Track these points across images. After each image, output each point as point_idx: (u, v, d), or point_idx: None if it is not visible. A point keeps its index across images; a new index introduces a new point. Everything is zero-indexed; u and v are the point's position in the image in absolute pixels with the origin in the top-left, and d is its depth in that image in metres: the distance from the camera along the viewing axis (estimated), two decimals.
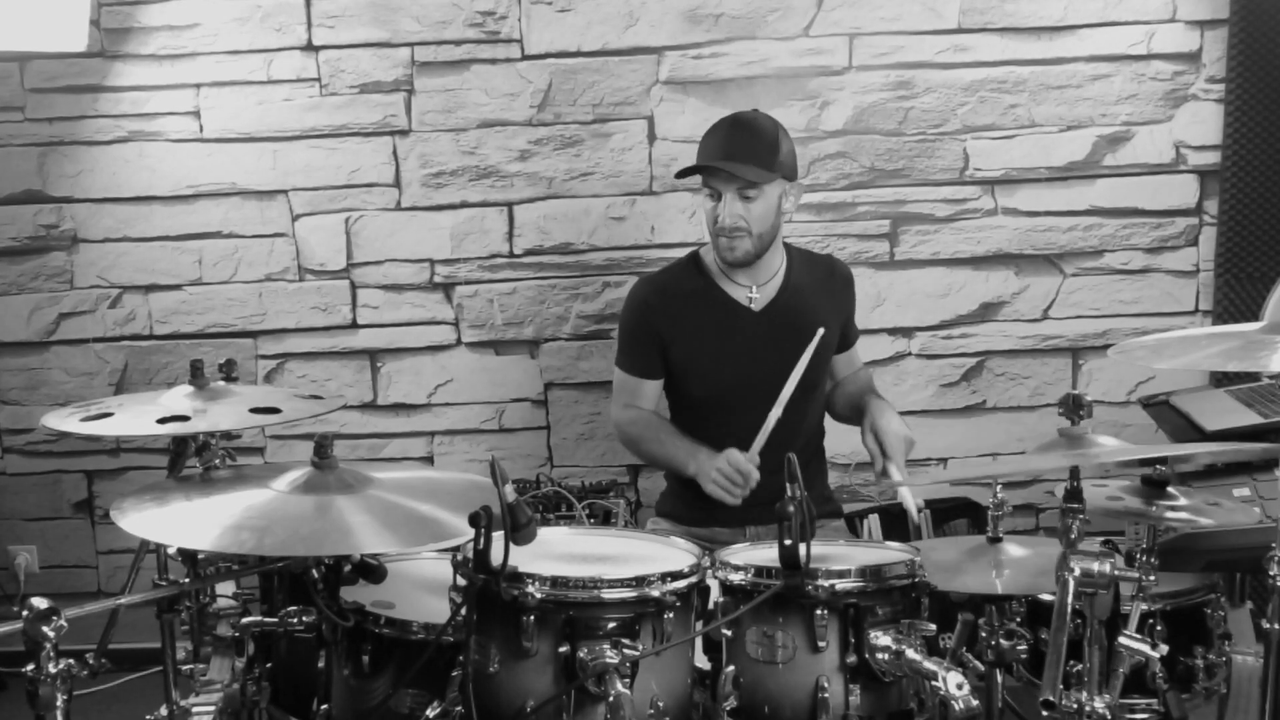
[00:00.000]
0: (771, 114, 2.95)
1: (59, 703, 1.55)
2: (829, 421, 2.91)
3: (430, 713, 1.72)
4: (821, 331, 2.58)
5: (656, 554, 1.90)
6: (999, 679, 2.05)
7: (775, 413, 2.50)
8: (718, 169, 2.61)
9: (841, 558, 1.90)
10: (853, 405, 2.78)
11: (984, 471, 3.47)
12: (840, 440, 2.95)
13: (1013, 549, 2.16)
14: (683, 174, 2.71)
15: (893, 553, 1.98)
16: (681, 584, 1.74)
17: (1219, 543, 2.31)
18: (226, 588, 2.10)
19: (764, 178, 2.61)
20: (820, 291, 2.80)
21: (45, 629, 1.54)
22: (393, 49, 3.44)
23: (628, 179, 3.47)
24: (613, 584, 1.70)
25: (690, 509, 2.74)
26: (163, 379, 3.54)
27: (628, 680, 1.65)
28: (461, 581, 1.71)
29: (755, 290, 2.74)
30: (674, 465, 2.73)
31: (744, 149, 2.63)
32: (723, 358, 2.72)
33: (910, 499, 2.63)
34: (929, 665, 1.71)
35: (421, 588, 2.01)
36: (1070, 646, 1.64)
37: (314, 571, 1.83)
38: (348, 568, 1.87)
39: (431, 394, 3.57)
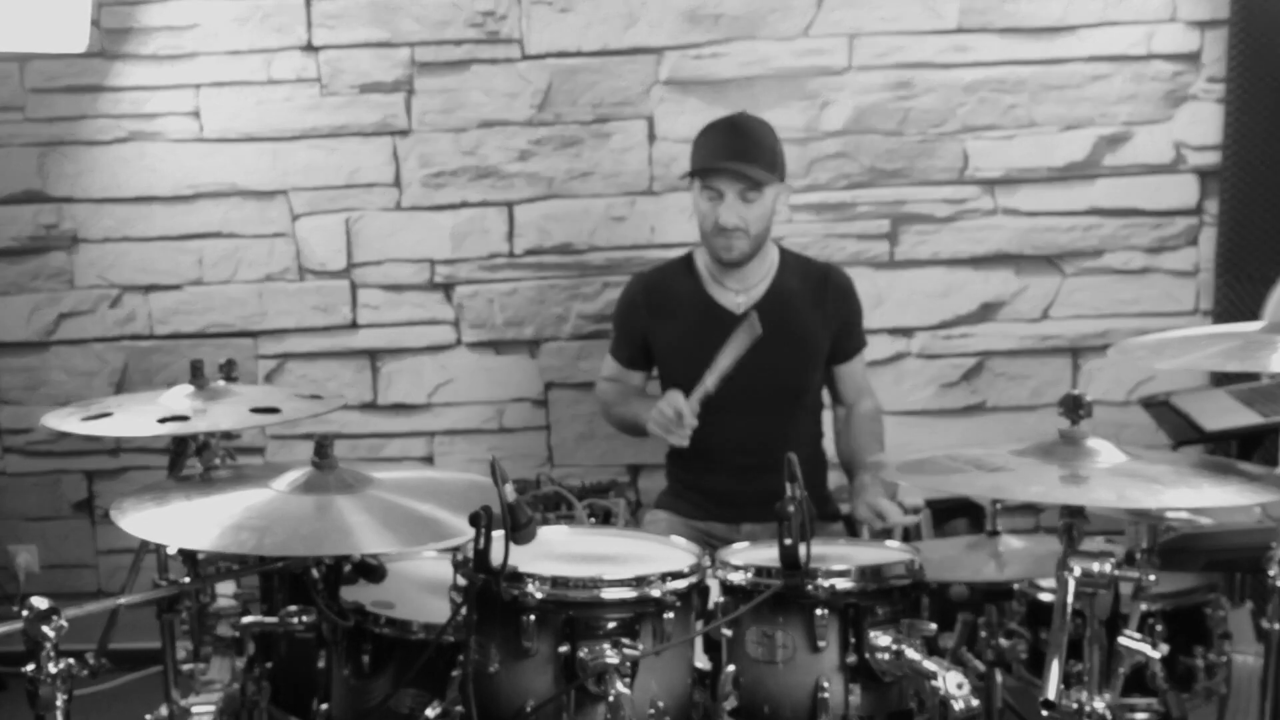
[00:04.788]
0: (771, 114, 2.97)
1: (59, 703, 1.55)
2: (828, 423, 2.92)
3: (430, 713, 1.72)
4: (754, 315, 2.57)
5: (656, 554, 1.90)
6: (999, 679, 2.05)
7: (710, 382, 2.52)
8: (724, 169, 2.62)
9: (841, 557, 1.90)
10: (848, 462, 2.83)
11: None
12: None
13: (1011, 540, 2.17)
14: (693, 174, 2.70)
15: (892, 553, 1.99)
16: (681, 584, 1.74)
17: (1219, 543, 2.31)
18: (226, 588, 2.10)
19: (768, 179, 2.65)
20: (809, 299, 2.80)
21: (45, 629, 1.54)
22: (393, 49, 3.44)
23: (628, 179, 3.47)
24: (613, 584, 1.70)
25: (688, 503, 2.78)
26: (163, 379, 3.53)
27: (628, 680, 1.65)
28: (461, 581, 1.71)
29: (741, 295, 2.76)
30: (634, 421, 2.77)
31: (749, 150, 2.65)
32: (702, 358, 2.73)
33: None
34: (929, 665, 1.71)
35: (421, 588, 2.02)
36: (1070, 646, 1.64)
37: (314, 571, 1.84)
38: (348, 568, 1.88)
39: (431, 394, 3.57)
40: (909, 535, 2.94)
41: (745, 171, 2.62)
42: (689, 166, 2.74)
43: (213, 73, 3.45)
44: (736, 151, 2.65)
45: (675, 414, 2.52)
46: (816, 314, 2.80)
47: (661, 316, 2.81)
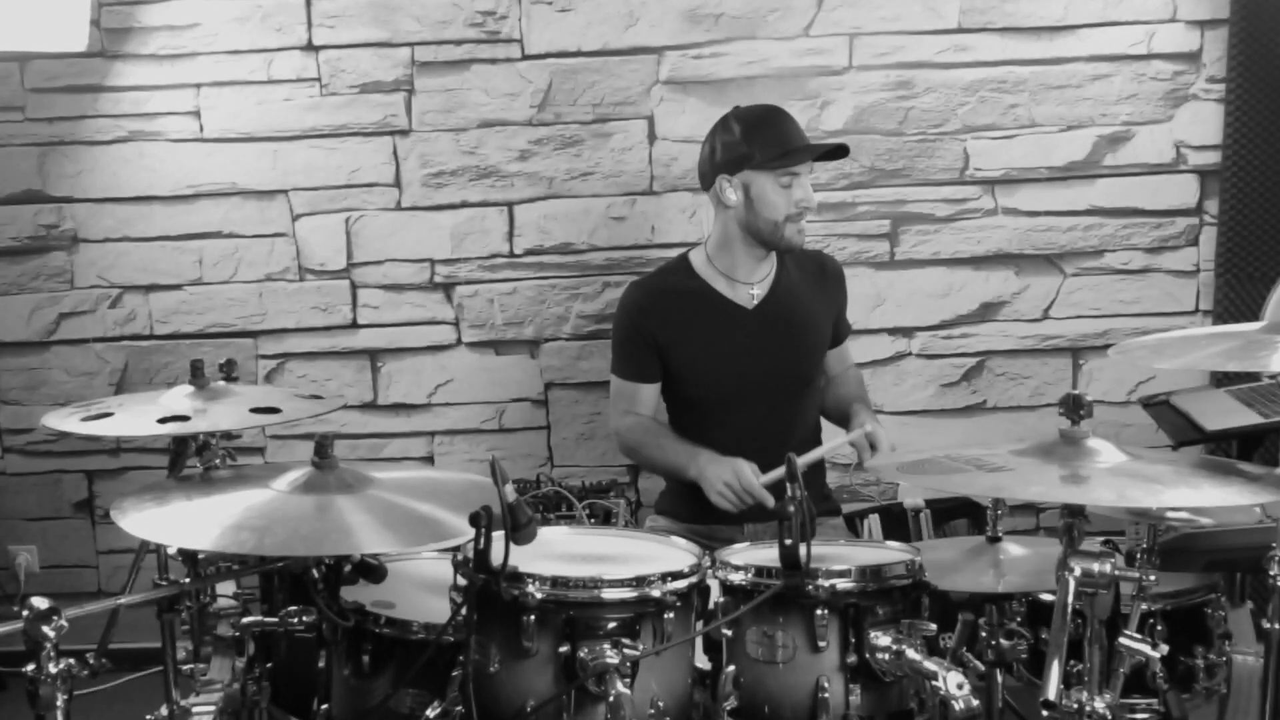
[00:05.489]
0: None
1: (59, 703, 1.55)
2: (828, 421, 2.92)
3: (430, 713, 1.72)
4: (865, 429, 2.60)
5: (657, 554, 1.90)
6: (999, 679, 2.05)
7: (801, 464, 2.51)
8: (807, 149, 2.68)
9: (841, 558, 1.90)
10: (841, 411, 2.83)
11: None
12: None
13: (1012, 548, 2.16)
14: (783, 163, 2.64)
15: (893, 553, 1.98)
16: (682, 584, 1.74)
17: (1219, 543, 2.31)
18: (226, 588, 2.10)
19: (845, 145, 2.76)
20: (812, 288, 2.82)
21: (45, 629, 1.54)
22: (393, 49, 3.44)
23: (628, 179, 3.47)
24: (613, 584, 1.70)
25: (689, 507, 2.75)
26: (163, 379, 3.54)
27: (628, 680, 1.65)
28: (461, 581, 1.71)
29: (750, 290, 2.76)
30: (674, 469, 2.71)
31: (804, 132, 2.74)
32: (718, 358, 2.73)
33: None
34: (929, 665, 1.71)
35: (421, 588, 2.01)
36: (1070, 646, 1.64)
37: (314, 571, 1.83)
38: (348, 568, 1.87)
39: (431, 394, 3.57)
40: (909, 535, 2.94)
41: (827, 144, 2.71)
42: (722, 162, 2.68)
43: (213, 73, 3.45)
44: (803, 134, 2.72)
45: (747, 494, 2.52)
46: (819, 302, 2.82)
47: (671, 320, 2.75)
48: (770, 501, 2.50)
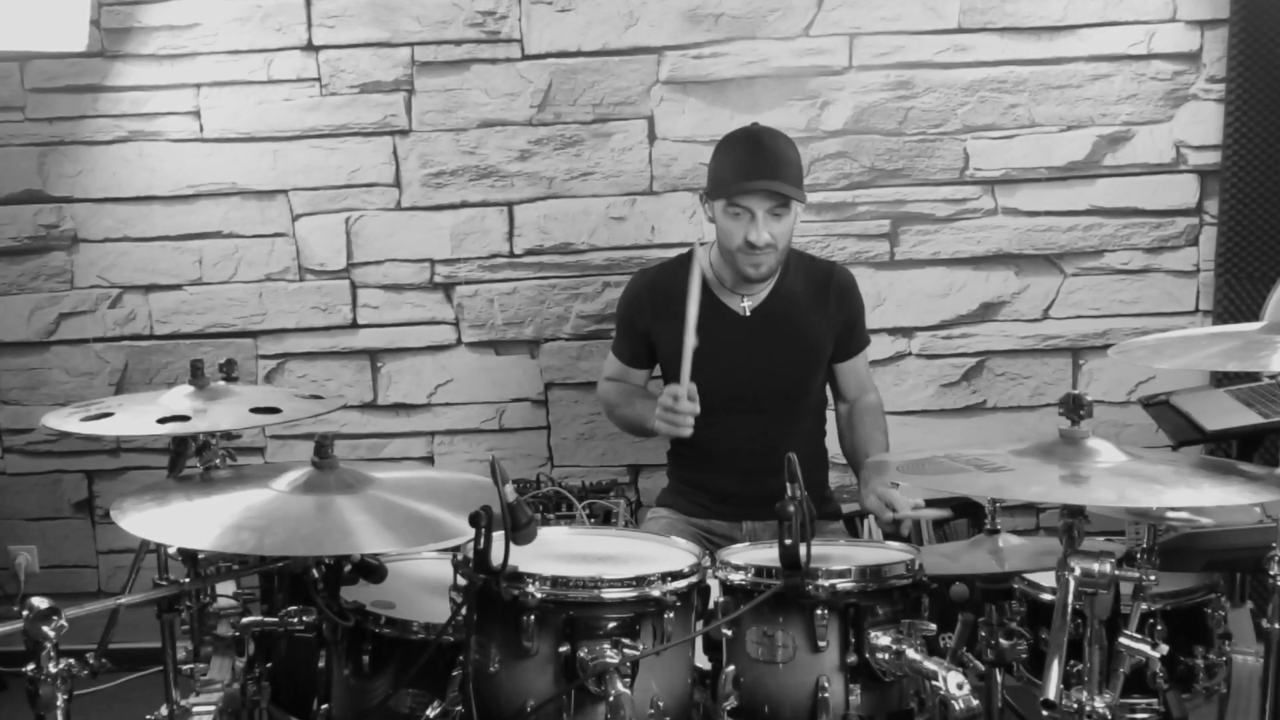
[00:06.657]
0: (771, 114, 2.96)
1: (59, 703, 1.55)
2: (830, 420, 2.92)
3: (430, 713, 1.72)
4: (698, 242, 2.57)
5: (657, 554, 1.90)
6: (999, 679, 2.05)
7: (689, 339, 2.48)
8: (756, 189, 2.58)
9: (841, 558, 1.90)
10: (855, 459, 2.83)
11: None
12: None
13: (1011, 537, 2.18)
14: (724, 195, 2.62)
15: (893, 553, 1.99)
16: (681, 584, 1.74)
17: (1219, 543, 2.31)
18: (226, 588, 2.10)
19: (798, 195, 2.63)
20: (813, 298, 2.79)
21: (45, 629, 1.54)
22: (393, 49, 3.44)
23: (628, 179, 3.47)
24: (613, 584, 1.70)
25: (689, 501, 2.78)
26: (163, 379, 3.54)
27: (628, 680, 1.65)
28: (461, 581, 1.71)
29: (745, 297, 2.76)
30: (639, 422, 2.76)
31: (779, 167, 2.61)
32: (709, 359, 2.73)
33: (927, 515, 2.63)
34: (929, 665, 1.71)
35: (421, 588, 2.01)
36: (1070, 646, 1.64)
37: (314, 571, 1.84)
38: (348, 568, 1.88)
39: (431, 394, 3.57)
40: (913, 536, 2.94)
41: (779, 190, 2.58)
42: (706, 181, 2.72)
43: (213, 73, 3.45)
44: (767, 169, 2.59)
45: (672, 400, 2.51)
46: (820, 315, 2.79)
47: (665, 315, 2.77)
48: (685, 403, 2.47)
